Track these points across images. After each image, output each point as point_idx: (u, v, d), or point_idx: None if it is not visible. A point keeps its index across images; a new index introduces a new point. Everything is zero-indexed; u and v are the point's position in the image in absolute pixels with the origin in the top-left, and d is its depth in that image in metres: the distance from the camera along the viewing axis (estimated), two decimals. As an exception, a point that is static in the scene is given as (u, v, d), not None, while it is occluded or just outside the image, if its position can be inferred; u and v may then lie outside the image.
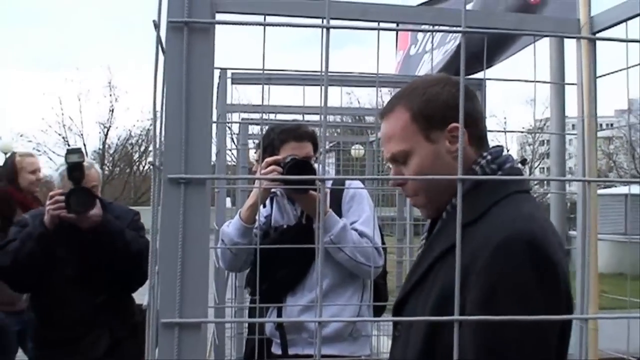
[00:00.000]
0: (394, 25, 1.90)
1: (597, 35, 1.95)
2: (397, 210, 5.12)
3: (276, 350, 2.77)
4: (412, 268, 1.57)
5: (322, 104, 0.76)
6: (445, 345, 1.30)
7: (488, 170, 1.45)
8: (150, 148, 36.70)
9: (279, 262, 2.55)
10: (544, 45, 2.61)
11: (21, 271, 2.96)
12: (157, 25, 0.74)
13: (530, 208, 1.38)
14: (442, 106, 1.46)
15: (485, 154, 1.47)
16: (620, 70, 1.80)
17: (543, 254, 1.28)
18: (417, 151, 1.47)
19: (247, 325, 3.46)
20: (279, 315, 2.75)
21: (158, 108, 0.77)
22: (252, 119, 4.21)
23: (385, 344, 4.18)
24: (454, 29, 2.67)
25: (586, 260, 1.70)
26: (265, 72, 1.79)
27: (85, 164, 2.93)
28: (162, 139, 0.76)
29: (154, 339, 0.79)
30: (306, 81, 2.70)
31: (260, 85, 2.55)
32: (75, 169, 2.86)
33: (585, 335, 1.82)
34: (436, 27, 2.75)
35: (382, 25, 1.80)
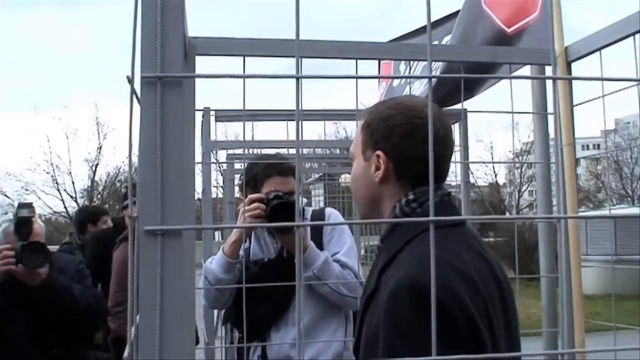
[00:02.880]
0: (376, 66, 1.92)
1: (573, 64, 1.99)
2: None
3: None
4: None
5: (296, 150, 0.77)
6: None
7: (406, 210, 1.41)
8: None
9: (260, 297, 2.52)
10: (525, 72, 2.65)
11: None
12: (130, 80, 0.75)
13: (426, 249, 1.32)
14: (382, 129, 1.43)
15: (409, 193, 1.43)
16: (596, 98, 1.83)
17: (424, 295, 1.13)
18: (356, 159, 1.52)
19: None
20: (265, 352, 2.72)
21: (134, 160, 0.78)
22: (237, 154, 4.23)
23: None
24: (437, 69, 2.71)
25: (564, 290, 1.71)
26: (247, 110, 1.81)
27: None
28: (138, 190, 0.76)
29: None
30: (289, 117, 2.73)
31: (248, 122, 2.57)
32: (24, 224, 2.81)
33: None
34: (419, 63, 2.79)
35: (364, 64, 1.83)
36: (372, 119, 1.46)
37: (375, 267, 1.43)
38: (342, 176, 8.17)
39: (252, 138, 2.62)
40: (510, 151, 37.15)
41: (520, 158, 34.23)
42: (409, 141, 1.41)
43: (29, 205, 2.90)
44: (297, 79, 0.75)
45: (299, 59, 0.69)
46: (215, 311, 3.27)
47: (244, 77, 0.75)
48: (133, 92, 0.78)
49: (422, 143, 1.38)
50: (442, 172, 1.49)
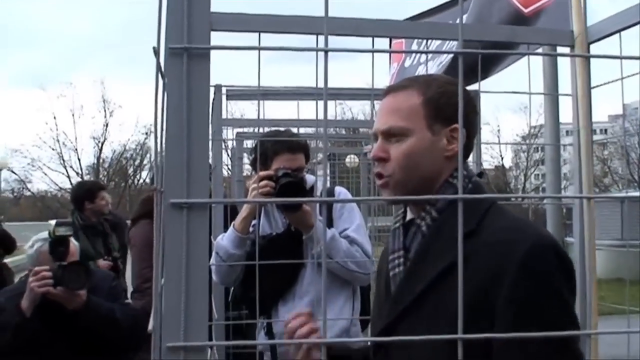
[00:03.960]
0: (387, 46, 1.90)
1: (592, 46, 1.96)
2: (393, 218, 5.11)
3: None
4: (397, 289, 1.48)
5: (323, 130, 0.77)
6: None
7: (465, 183, 1.46)
8: (145, 162, 36.73)
9: (268, 271, 2.52)
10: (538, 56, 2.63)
11: None
12: (157, 52, 0.74)
13: (519, 217, 1.43)
14: (454, 104, 1.44)
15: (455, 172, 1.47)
16: (615, 80, 1.81)
17: (565, 257, 1.34)
18: (416, 134, 1.45)
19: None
20: (270, 326, 2.74)
21: (159, 133, 0.77)
22: (246, 133, 4.22)
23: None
24: (452, 49, 2.68)
25: (587, 271, 1.70)
26: (261, 88, 1.80)
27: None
28: (164, 163, 0.76)
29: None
30: (300, 96, 2.71)
31: (255, 100, 2.56)
32: (61, 243, 2.64)
33: (589, 345, 1.82)
34: (433, 42, 2.76)
35: (378, 43, 1.81)
36: (439, 93, 1.46)
37: (436, 237, 1.42)
38: (348, 157, 8.16)
39: (264, 117, 2.61)
40: (517, 134, 37.04)
41: (528, 141, 34.11)
42: (474, 119, 1.54)
43: (67, 224, 2.73)
44: (325, 52, 0.75)
45: (323, 36, 0.68)
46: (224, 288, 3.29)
47: (267, 49, 0.74)
48: (158, 65, 0.78)
49: (477, 121, 1.56)
50: None
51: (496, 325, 1.27)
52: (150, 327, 0.79)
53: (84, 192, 6.00)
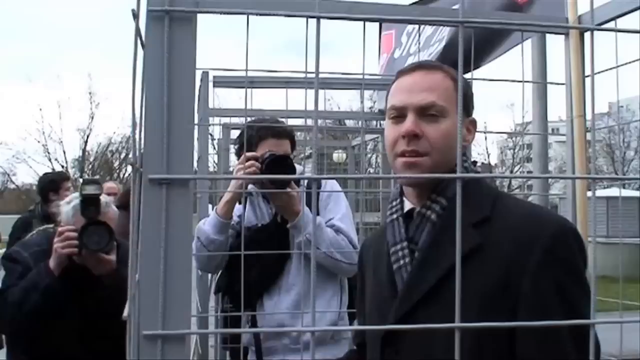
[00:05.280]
0: (377, 34, 1.85)
1: (586, 34, 1.93)
2: (380, 215, 5.08)
3: (252, 357, 2.70)
4: (409, 280, 1.41)
5: (313, 104, 0.72)
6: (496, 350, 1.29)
7: (472, 171, 1.54)
8: (131, 155, 36.61)
9: (253, 263, 2.46)
10: (526, 47, 2.59)
11: (22, 325, 2.53)
12: (135, 15, 0.68)
13: (527, 203, 1.50)
14: (470, 97, 1.53)
15: (464, 157, 1.48)
16: (611, 68, 1.77)
17: (582, 241, 1.35)
18: (452, 117, 1.41)
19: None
20: (254, 319, 2.68)
21: (137, 104, 0.71)
22: (233, 124, 4.15)
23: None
24: (452, 19, 2.63)
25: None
26: (248, 74, 1.74)
27: (102, 201, 2.49)
28: (142, 137, 0.70)
29: (135, 353, 0.74)
30: (289, 84, 2.66)
31: (242, 89, 2.50)
32: (90, 203, 2.44)
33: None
34: (429, 25, 2.71)
35: (369, 29, 1.76)
36: (466, 83, 1.48)
37: (449, 225, 1.35)
38: (335, 152, 8.11)
39: (251, 106, 2.56)
40: (502, 136, 37.13)
41: (514, 138, 34.17)
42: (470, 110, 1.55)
43: (95, 182, 2.52)
44: (318, 18, 0.69)
45: (314, 20, 0.63)
46: (209, 279, 3.23)
47: (256, 14, 0.69)
48: (137, 30, 0.72)
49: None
50: None
51: (520, 311, 1.26)
52: (125, 313, 0.73)
53: (48, 184, 5.92)
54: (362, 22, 1.72)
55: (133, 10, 0.69)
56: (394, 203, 1.50)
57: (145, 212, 0.69)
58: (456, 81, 1.41)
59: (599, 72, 1.76)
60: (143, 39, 0.71)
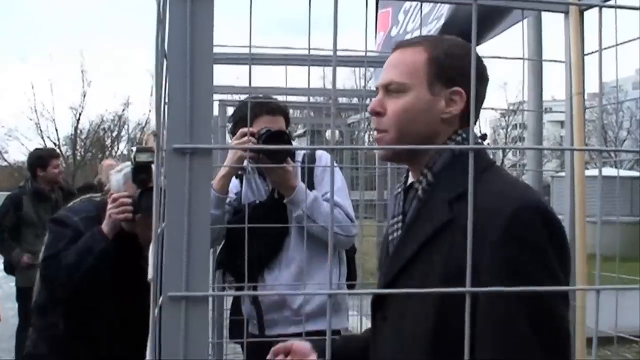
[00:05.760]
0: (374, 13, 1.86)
1: (585, 13, 1.95)
2: (377, 192, 5.12)
3: (253, 330, 2.75)
4: (394, 251, 1.50)
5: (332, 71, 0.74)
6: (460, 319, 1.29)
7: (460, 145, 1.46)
8: (123, 133, 36.40)
9: (252, 239, 2.50)
10: (520, 27, 2.61)
11: (74, 288, 2.56)
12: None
13: (516, 179, 1.41)
14: (458, 67, 1.44)
15: (460, 131, 1.47)
16: (610, 47, 1.80)
17: (552, 218, 1.30)
18: (413, 92, 1.44)
19: (229, 306, 3.45)
20: (256, 295, 2.73)
21: (161, 77, 0.74)
22: (230, 101, 4.16)
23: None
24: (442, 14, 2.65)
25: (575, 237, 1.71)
26: (250, 51, 1.76)
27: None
28: (165, 108, 0.73)
29: (159, 314, 0.77)
30: (289, 61, 2.67)
31: (238, 65, 2.52)
32: (142, 170, 2.47)
33: (573, 312, 1.83)
34: (433, 2, 2.72)
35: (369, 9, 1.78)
36: (445, 54, 1.44)
37: (430, 200, 1.42)
38: (327, 132, 8.11)
39: (250, 83, 2.58)
40: (497, 112, 37.13)
41: (507, 118, 34.23)
42: (482, 83, 1.49)
43: (148, 150, 2.54)
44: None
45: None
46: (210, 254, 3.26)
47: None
48: (160, 5, 0.75)
49: (485, 87, 1.51)
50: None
51: (480, 286, 1.25)
52: (150, 276, 0.76)
53: (36, 160, 5.99)
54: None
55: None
56: (402, 178, 1.56)
57: (170, 180, 0.72)
58: (434, 54, 1.44)
59: (607, 48, 1.78)
60: (162, 14, 0.74)
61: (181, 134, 0.72)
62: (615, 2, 1.80)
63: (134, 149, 2.54)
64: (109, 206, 2.54)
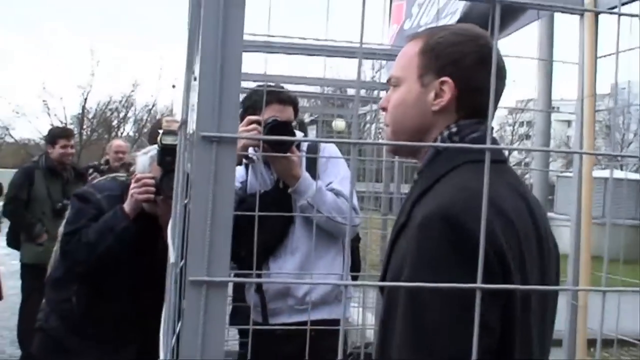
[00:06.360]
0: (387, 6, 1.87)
1: (600, 15, 1.96)
2: (383, 185, 5.13)
3: (256, 317, 2.77)
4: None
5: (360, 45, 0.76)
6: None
7: (448, 143, 1.38)
8: (130, 114, 36.40)
9: (258, 228, 2.52)
10: (534, 26, 2.61)
11: (93, 266, 2.59)
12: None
13: (469, 179, 1.25)
14: (451, 55, 1.37)
15: (453, 125, 1.39)
16: (624, 51, 1.81)
17: (457, 227, 1.17)
18: (406, 84, 1.43)
19: (231, 293, 3.48)
20: (260, 284, 2.75)
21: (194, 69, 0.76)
22: (242, 88, 4.16)
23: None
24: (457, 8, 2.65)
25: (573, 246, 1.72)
26: (267, 39, 1.78)
27: None
28: (194, 97, 0.76)
29: (177, 297, 0.80)
30: (305, 50, 2.68)
31: (258, 54, 2.54)
32: (168, 153, 2.44)
33: (575, 312, 1.85)
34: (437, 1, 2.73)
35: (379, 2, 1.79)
36: (437, 42, 1.38)
37: (408, 199, 1.40)
38: (334, 122, 8.13)
39: (265, 72, 2.59)
40: (505, 107, 36.96)
41: (514, 115, 34.12)
42: (480, 70, 1.34)
43: (174, 133, 2.52)
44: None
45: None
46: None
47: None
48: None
49: (489, 75, 1.33)
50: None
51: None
52: (172, 260, 0.79)
53: (48, 136, 6.10)
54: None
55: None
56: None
57: (197, 167, 0.74)
58: (426, 45, 1.41)
59: (623, 51, 1.78)
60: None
61: (209, 122, 0.74)
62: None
63: (161, 131, 2.54)
64: (132, 186, 2.57)
